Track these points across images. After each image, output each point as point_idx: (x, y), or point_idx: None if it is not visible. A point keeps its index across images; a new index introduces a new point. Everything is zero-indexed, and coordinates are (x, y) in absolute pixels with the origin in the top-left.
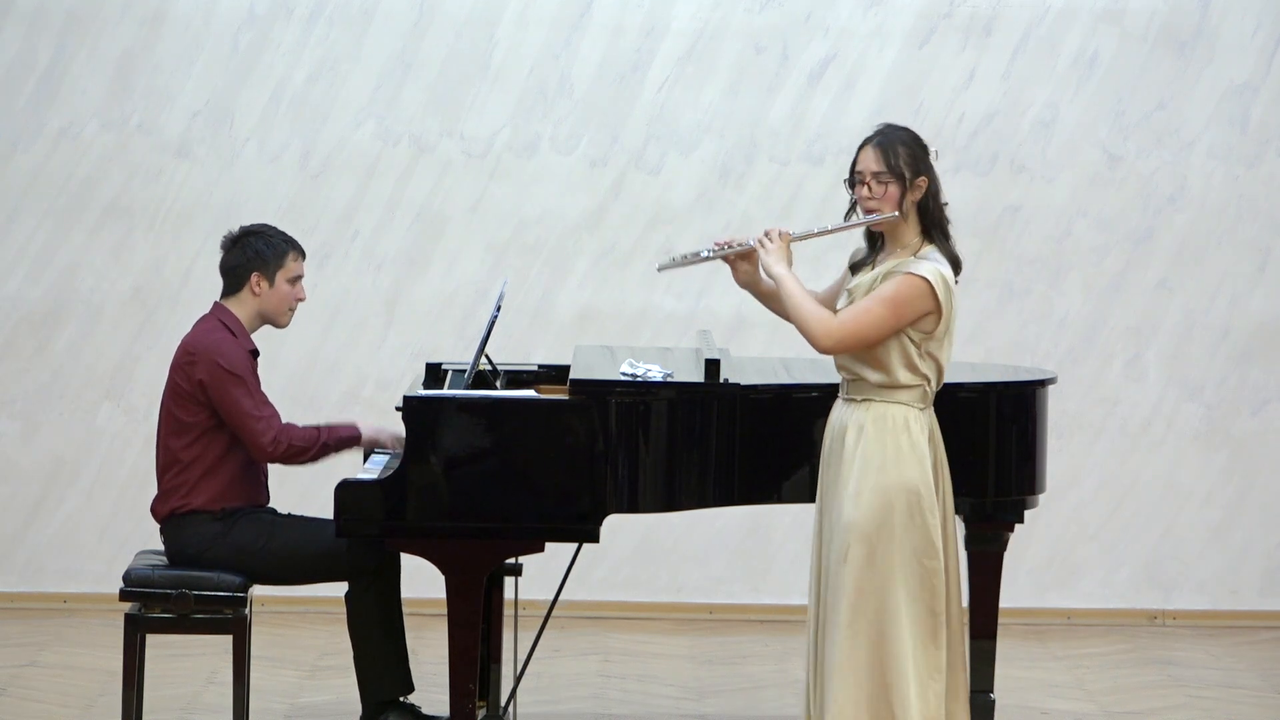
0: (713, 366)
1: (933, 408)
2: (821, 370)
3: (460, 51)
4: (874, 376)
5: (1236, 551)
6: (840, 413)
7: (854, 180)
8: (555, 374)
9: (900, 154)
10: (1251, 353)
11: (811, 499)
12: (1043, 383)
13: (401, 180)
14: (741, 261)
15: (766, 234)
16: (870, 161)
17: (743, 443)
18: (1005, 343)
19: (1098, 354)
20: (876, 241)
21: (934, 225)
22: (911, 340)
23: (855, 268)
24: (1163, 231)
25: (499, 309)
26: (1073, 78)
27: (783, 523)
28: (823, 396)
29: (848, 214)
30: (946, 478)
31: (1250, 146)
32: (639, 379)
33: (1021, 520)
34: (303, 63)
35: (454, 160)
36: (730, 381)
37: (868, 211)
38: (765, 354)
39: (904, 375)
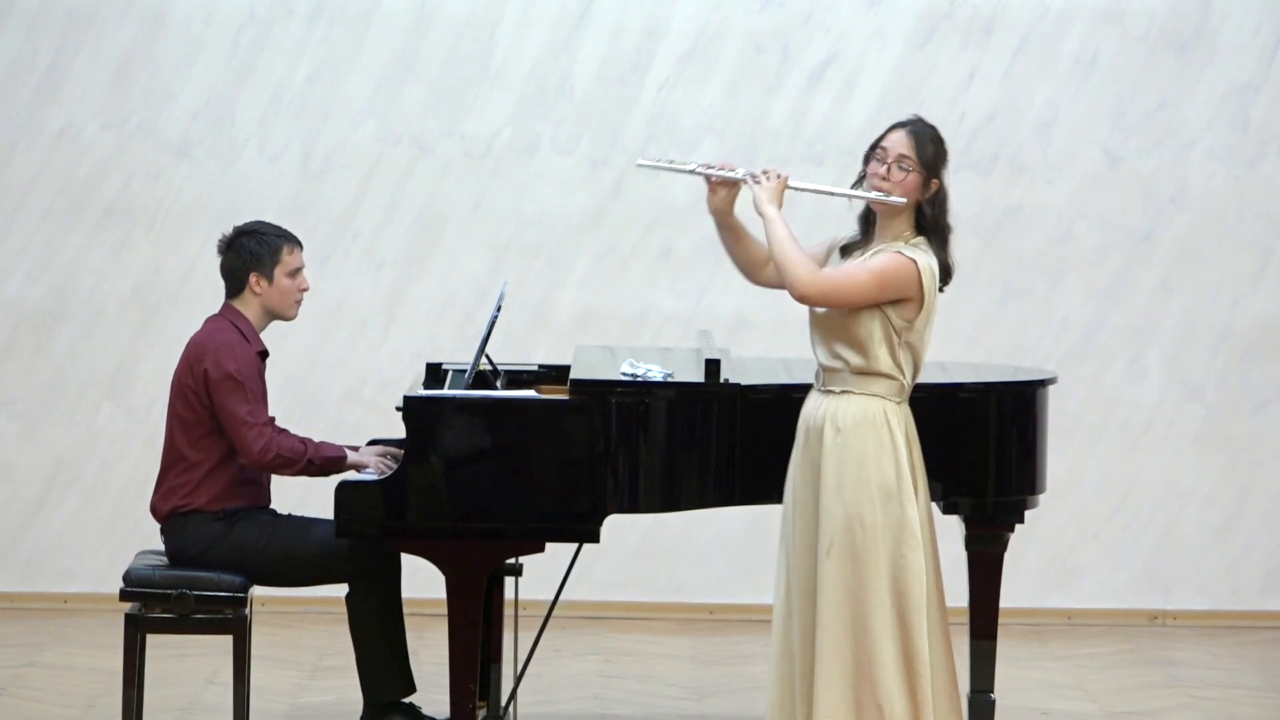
0: (713, 366)
1: (908, 404)
2: None
3: (461, 52)
4: (855, 360)
5: (1237, 552)
6: (816, 405)
7: (873, 155)
8: (555, 374)
9: (929, 148)
10: (1252, 353)
11: None
12: (1043, 383)
13: (402, 180)
14: (721, 187)
15: (764, 171)
16: (901, 145)
17: (743, 443)
18: (1005, 343)
19: (1098, 354)
20: (869, 228)
21: (933, 229)
22: (893, 327)
23: (845, 250)
24: (1163, 232)
25: (499, 309)
26: (1073, 78)
27: None
28: None
29: (855, 184)
30: (922, 472)
31: (1251, 147)
32: (639, 379)
33: (1022, 520)
34: (303, 63)
35: (454, 160)
36: (730, 381)
37: (877, 189)
38: (765, 354)
39: (885, 361)
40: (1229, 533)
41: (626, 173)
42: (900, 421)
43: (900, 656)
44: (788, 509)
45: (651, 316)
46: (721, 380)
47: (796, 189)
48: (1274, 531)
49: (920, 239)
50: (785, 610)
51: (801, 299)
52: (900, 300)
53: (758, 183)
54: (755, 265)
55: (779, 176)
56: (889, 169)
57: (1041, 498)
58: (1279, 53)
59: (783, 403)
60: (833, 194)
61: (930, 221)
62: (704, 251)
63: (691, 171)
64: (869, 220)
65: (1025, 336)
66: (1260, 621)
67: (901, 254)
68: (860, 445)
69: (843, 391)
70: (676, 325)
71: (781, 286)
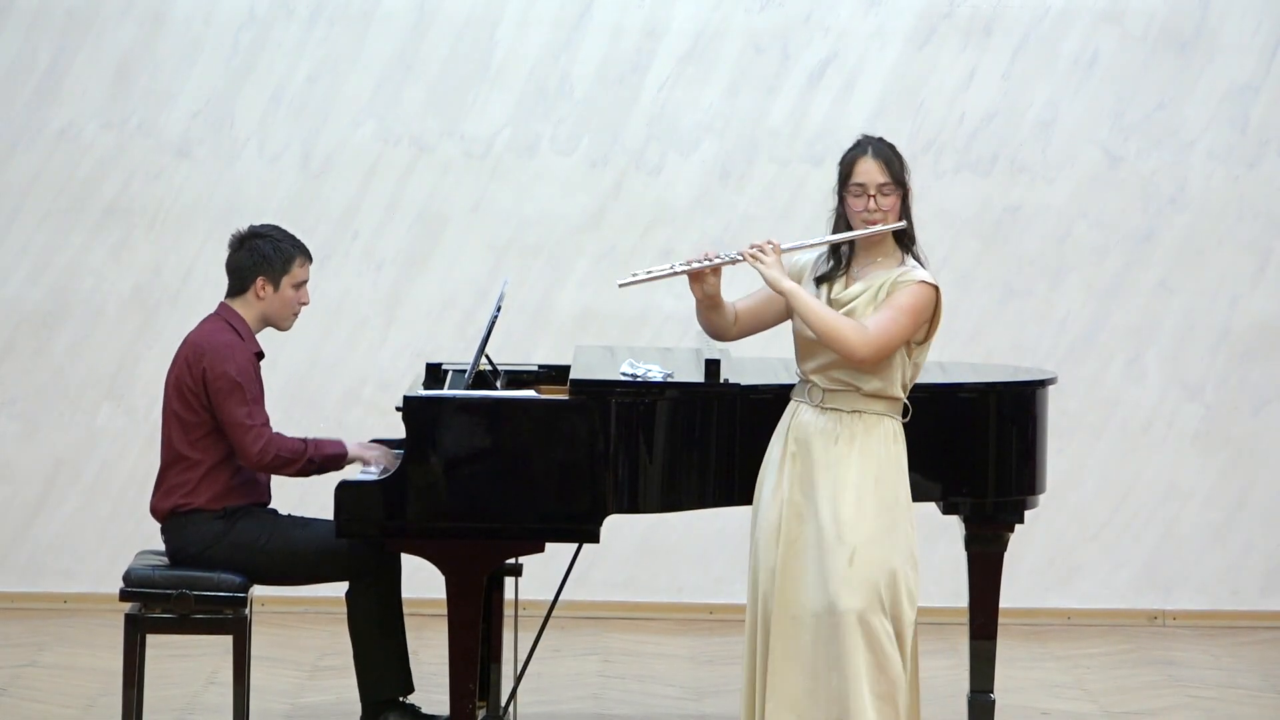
0: (713, 366)
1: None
2: None
3: (460, 52)
4: (869, 384)
5: (1237, 551)
6: (817, 421)
7: (850, 192)
8: (555, 374)
9: (896, 164)
10: (1251, 353)
11: None
12: (1043, 383)
13: (402, 180)
14: (711, 275)
15: (758, 247)
16: (875, 173)
17: (743, 443)
18: (1005, 343)
19: (1098, 354)
20: (841, 253)
21: (908, 235)
22: (907, 348)
23: (820, 280)
24: (1163, 232)
25: (499, 309)
26: (1073, 78)
27: None
28: None
29: (836, 225)
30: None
31: (1250, 146)
32: (639, 379)
33: (1022, 520)
34: (303, 63)
35: (454, 160)
36: (730, 381)
37: (871, 223)
38: (765, 354)
39: (896, 382)
40: (1229, 533)
41: (626, 173)
42: (903, 438)
43: (906, 673)
44: (772, 522)
45: (651, 316)
46: (721, 380)
47: (790, 250)
48: (1274, 531)
49: (909, 256)
50: (759, 619)
51: (861, 363)
52: (922, 325)
53: (759, 260)
54: (727, 326)
55: (772, 246)
56: (874, 200)
57: (1041, 498)
58: (1279, 53)
59: (782, 403)
60: (828, 242)
61: (910, 231)
62: (704, 251)
63: (675, 273)
64: (839, 250)
65: (1025, 336)
66: (1260, 621)
67: (924, 284)
68: (877, 464)
69: (852, 411)
70: (676, 325)
71: (741, 336)
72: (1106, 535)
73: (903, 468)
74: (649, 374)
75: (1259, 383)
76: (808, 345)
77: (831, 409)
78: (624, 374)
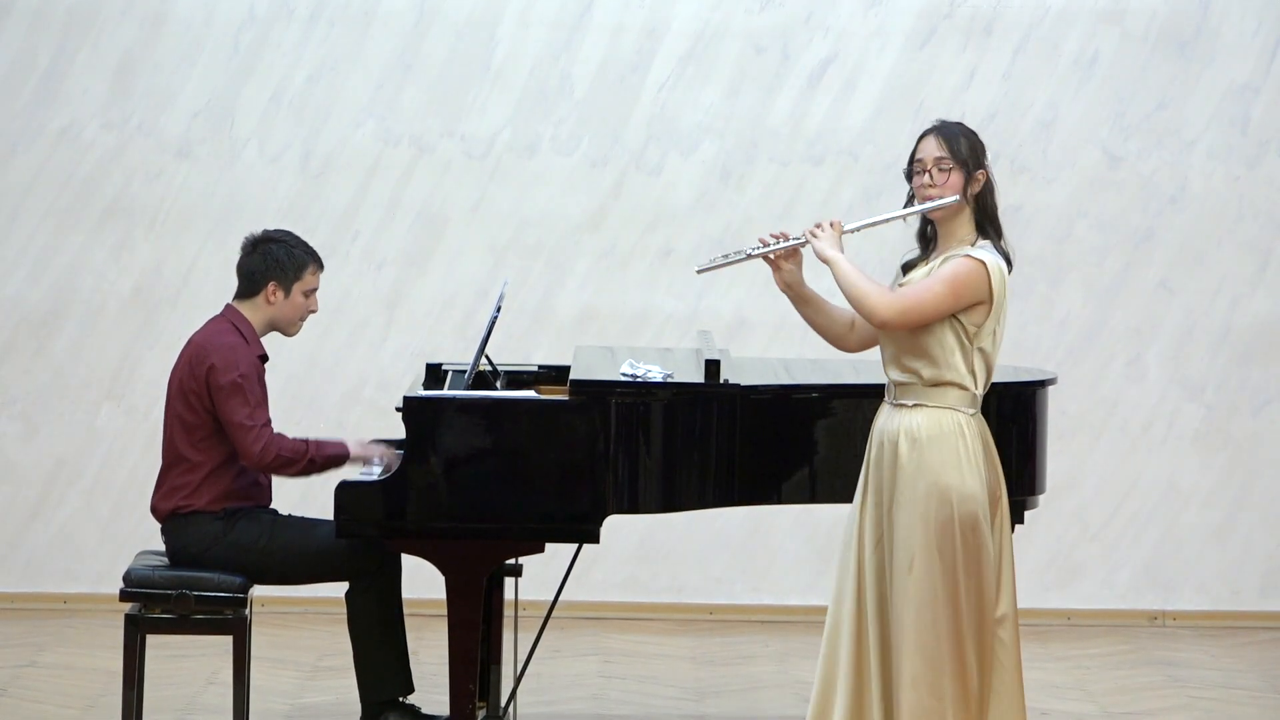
0: (713, 367)
1: (981, 414)
2: (821, 371)
3: (461, 52)
4: (928, 371)
5: (1237, 552)
6: (889, 419)
7: (913, 170)
8: (555, 374)
9: (962, 143)
10: (1252, 353)
11: (812, 499)
12: (1043, 383)
13: (402, 180)
14: (785, 261)
15: (817, 225)
16: (932, 148)
17: (742, 443)
18: (1005, 343)
19: (1098, 354)
20: (929, 241)
21: (989, 221)
22: (965, 333)
23: (907, 268)
24: (1163, 232)
25: (499, 309)
26: (1073, 78)
27: (783, 523)
28: (823, 397)
29: (906, 205)
30: (1002, 481)
31: (1250, 147)
32: (639, 379)
33: (1022, 521)
34: (303, 63)
35: (454, 161)
36: (730, 382)
37: (925, 198)
38: (765, 354)
39: (958, 370)
40: (1229, 533)
41: (626, 173)
42: (976, 433)
43: (980, 675)
44: (856, 525)
45: (651, 316)
46: (721, 381)
47: (853, 230)
48: (1274, 531)
49: (984, 241)
50: (842, 618)
51: (882, 325)
52: (973, 305)
53: (815, 236)
54: (842, 333)
55: (832, 224)
56: (930, 175)
57: (1041, 498)
58: (1279, 53)
59: (782, 403)
60: (889, 219)
61: (987, 216)
62: (704, 251)
63: (749, 257)
64: (926, 236)
65: (1025, 336)
66: (1260, 621)
67: (970, 257)
68: (938, 459)
69: (915, 405)
70: (676, 325)
71: (874, 344)
72: (1106, 535)
73: (973, 465)
74: (649, 374)
75: (1259, 383)
76: (884, 339)
77: (899, 404)
78: (624, 374)
